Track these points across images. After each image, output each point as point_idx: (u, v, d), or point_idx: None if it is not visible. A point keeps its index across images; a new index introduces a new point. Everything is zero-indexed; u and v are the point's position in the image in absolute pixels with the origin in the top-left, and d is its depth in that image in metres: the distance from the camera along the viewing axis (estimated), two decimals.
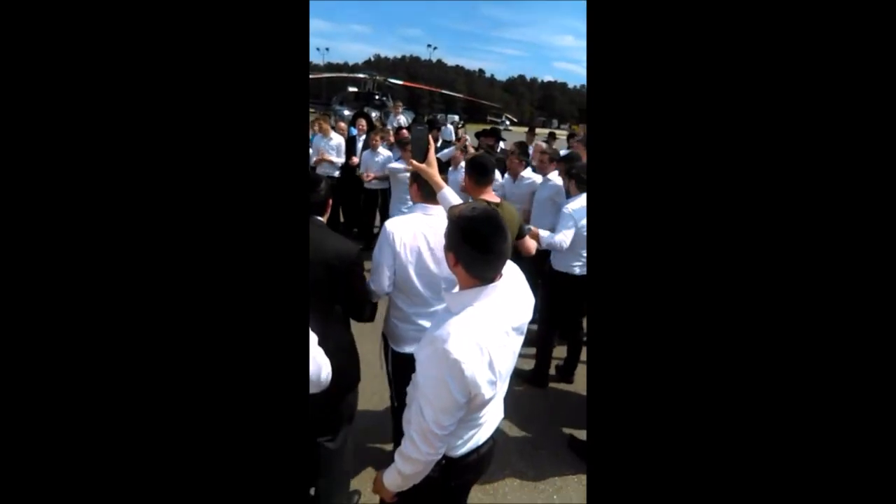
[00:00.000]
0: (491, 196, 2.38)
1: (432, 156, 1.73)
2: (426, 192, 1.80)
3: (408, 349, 1.81)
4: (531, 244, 2.56)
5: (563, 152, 4.20)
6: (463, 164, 4.85)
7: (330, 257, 1.60)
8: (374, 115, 11.07)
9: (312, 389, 1.28)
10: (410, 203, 3.89)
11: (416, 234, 1.77)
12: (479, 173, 2.17)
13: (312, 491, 1.84)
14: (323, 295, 1.59)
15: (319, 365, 1.27)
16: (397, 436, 2.01)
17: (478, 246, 1.09)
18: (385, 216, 5.23)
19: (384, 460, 2.15)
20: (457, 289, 1.19)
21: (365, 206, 5.38)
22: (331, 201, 1.76)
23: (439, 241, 1.57)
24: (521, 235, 2.47)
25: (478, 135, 6.35)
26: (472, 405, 1.11)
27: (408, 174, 3.87)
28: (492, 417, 1.27)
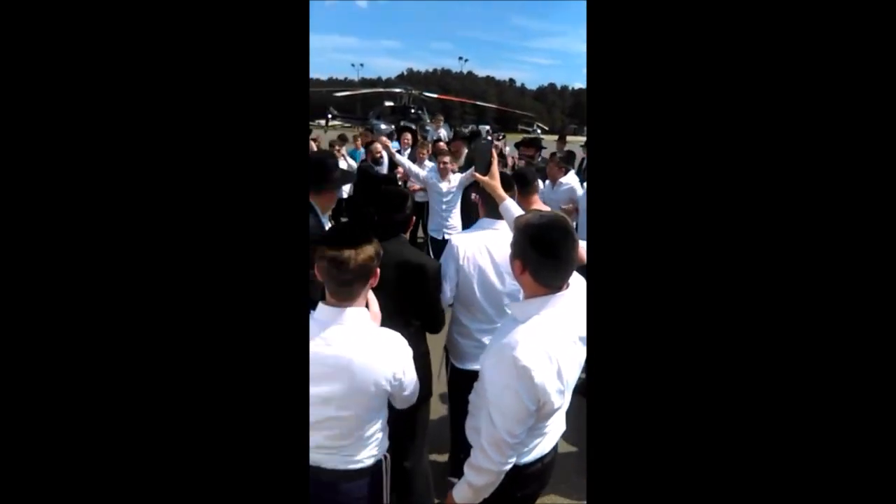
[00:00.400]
0: (539, 206, 2.41)
1: (495, 169, 1.77)
2: (491, 207, 1.82)
3: (469, 366, 1.83)
4: (583, 252, 2.56)
5: None
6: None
7: (411, 271, 1.65)
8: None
9: (402, 405, 1.30)
10: (445, 212, 3.89)
11: (480, 248, 1.80)
12: (521, 185, 2.21)
13: None
14: (402, 308, 1.62)
15: (413, 380, 1.26)
16: (455, 448, 2.03)
17: (545, 251, 1.10)
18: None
19: (440, 472, 2.16)
20: (522, 297, 1.21)
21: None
22: (414, 219, 1.79)
23: (503, 256, 1.60)
24: None
25: (517, 145, 6.37)
26: (540, 413, 1.11)
27: (441, 185, 3.95)
28: (555, 427, 1.27)
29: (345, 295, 1.13)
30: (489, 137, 10.84)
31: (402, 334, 1.32)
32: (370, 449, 1.22)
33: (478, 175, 1.78)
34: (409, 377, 1.22)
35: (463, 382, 1.73)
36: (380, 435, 1.25)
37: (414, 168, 3.71)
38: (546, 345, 1.07)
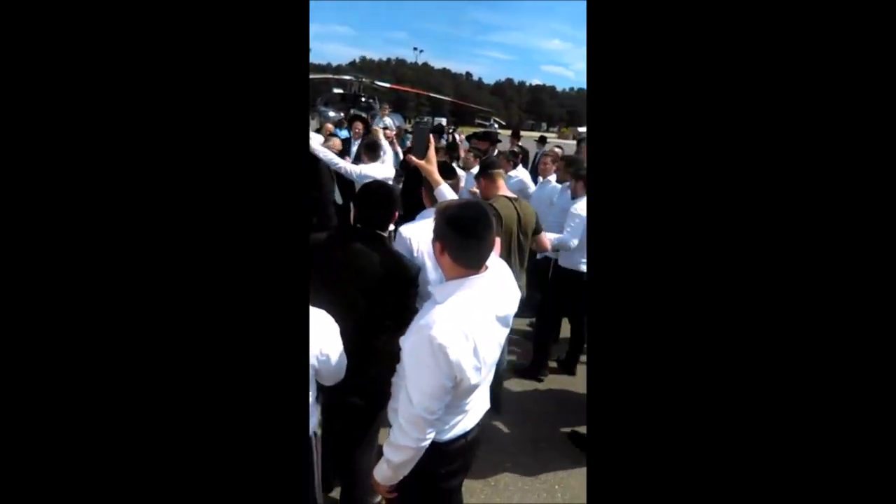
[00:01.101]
0: (505, 191, 2.51)
1: (432, 153, 1.82)
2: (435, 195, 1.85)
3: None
4: (545, 241, 2.69)
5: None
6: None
7: (393, 275, 1.61)
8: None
9: (329, 382, 1.30)
10: None
11: (429, 237, 1.80)
12: (485, 169, 2.34)
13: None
14: (380, 310, 1.60)
15: (339, 356, 1.28)
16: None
17: (461, 231, 1.12)
18: None
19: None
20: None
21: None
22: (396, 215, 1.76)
23: None
24: (537, 231, 2.59)
25: (469, 138, 6.41)
26: (457, 391, 1.13)
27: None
28: (477, 405, 1.30)
29: None
30: (451, 130, 10.85)
31: (380, 335, 1.35)
32: None
33: (415, 159, 1.82)
34: (335, 354, 1.21)
35: None
36: (313, 411, 1.24)
37: (349, 167, 3.63)
38: (462, 324, 1.09)
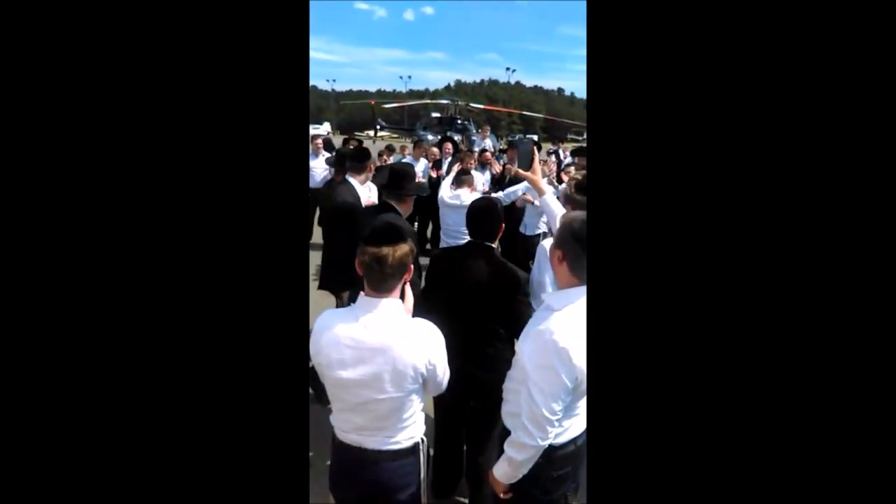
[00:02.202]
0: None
1: (536, 165, 2.03)
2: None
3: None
4: None
5: None
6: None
7: (502, 281, 1.73)
8: (456, 138, 11.44)
9: (433, 392, 1.38)
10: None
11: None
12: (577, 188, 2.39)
13: None
14: (491, 316, 1.73)
15: (444, 368, 1.34)
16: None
17: (584, 245, 1.17)
18: None
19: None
20: (556, 289, 1.28)
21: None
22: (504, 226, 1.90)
23: None
24: None
25: (574, 153, 6.39)
26: (576, 392, 1.19)
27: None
28: (584, 410, 1.31)
29: (383, 288, 1.23)
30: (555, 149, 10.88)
31: (493, 341, 1.51)
32: (408, 431, 1.30)
33: (521, 171, 2.04)
34: (442, 364, 1.29)
35: None
36: (417, 418, 1.32)
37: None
38: (579, 330, 1.13)
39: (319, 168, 5.50)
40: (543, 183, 2.04)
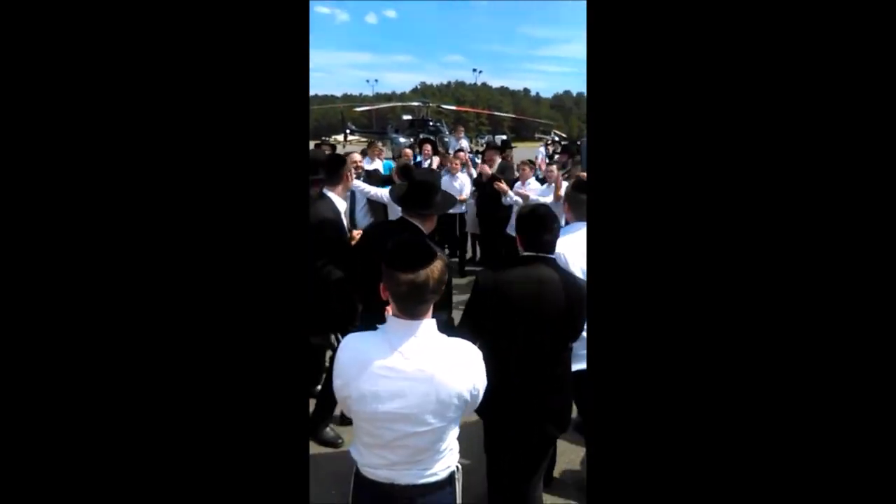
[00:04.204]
0: None
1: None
2: (580, 211, 1.90)
3: (577, 366, 1.77)
4: None
5: None
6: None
7: (570, 293, 1.55)
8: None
9: (467, 414, 1.28)
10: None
11: (581, 251, 1.82)
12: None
13: None
14: (560, 332, 1.55)
15: (484, 390, 1.24)
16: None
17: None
18: (463, 237, 5.29)
19: None
20: None
21: (441, 228, 5.41)
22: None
23: None
24: None
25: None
26: None
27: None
28: None
29: (421, 311, 1.12)
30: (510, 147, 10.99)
31: (562, 361, 1.42)
32: (445, 461, 1.19)
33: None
34: (483, 386, 1.20)
35: (577, 382, 1.70)
36: (453, 445, 1.22)
37: (378, 192, 3.73)
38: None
39: None
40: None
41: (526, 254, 1.61)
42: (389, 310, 1.14)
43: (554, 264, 1.59)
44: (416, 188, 1.89)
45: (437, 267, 1.09)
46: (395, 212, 3.56)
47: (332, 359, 2.70)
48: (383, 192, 3.64)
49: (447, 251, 5.53)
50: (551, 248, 1.60)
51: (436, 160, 5.80)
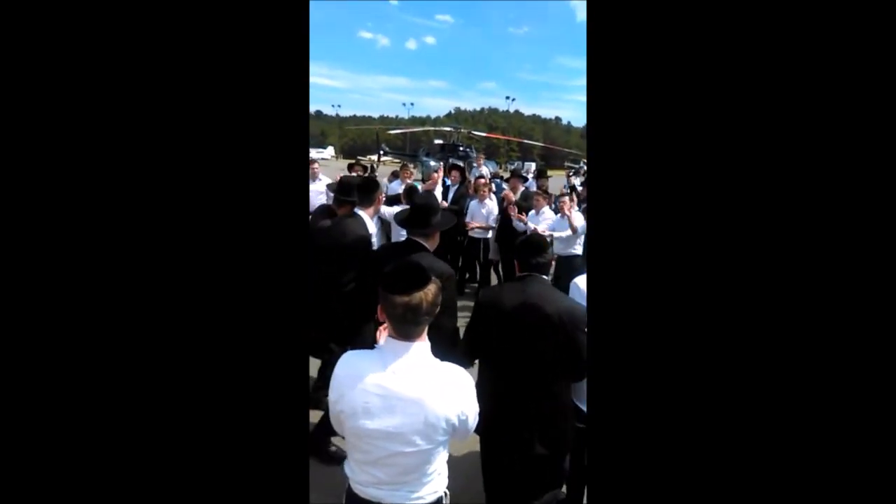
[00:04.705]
0: None
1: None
2: None
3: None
4: None
5: None
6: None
7: (568, 318, 1.60)
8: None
9: (459, 439, 1.29)
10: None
11: None
12: None
13: None
14: (560, 359, 1.59)
15: (475, 415, 1.25)
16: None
17: None
18: (487, 263, 5.30)
19: None
20: None
21: (467, 252, 5.45)
22: (553, 262, 1.90)
23: None
24: None
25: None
26: None
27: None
28: None
29: (415, 333, 1.16)
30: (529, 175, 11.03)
31: (561, 383, 1.46)
32: (432, 485, 1.20)
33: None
34: (474, 412, 1.21)
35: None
36: (442, 470, 1.23)
37: (387, 213, 3.89)
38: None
39: (314, 193, 5.31)
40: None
41: (520, 274, 1.78)
42: (383, 330, 1.18)
43: (542, 280, 1.74)
44: (417, 211, 2.12)
45: (430, 290, 1.13)
46: (396, 230, 3.67)
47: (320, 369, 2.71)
48: (391, 212, 3.84)
49: (468, 276, 5.55)
50: (544, 269, 1.76)
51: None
